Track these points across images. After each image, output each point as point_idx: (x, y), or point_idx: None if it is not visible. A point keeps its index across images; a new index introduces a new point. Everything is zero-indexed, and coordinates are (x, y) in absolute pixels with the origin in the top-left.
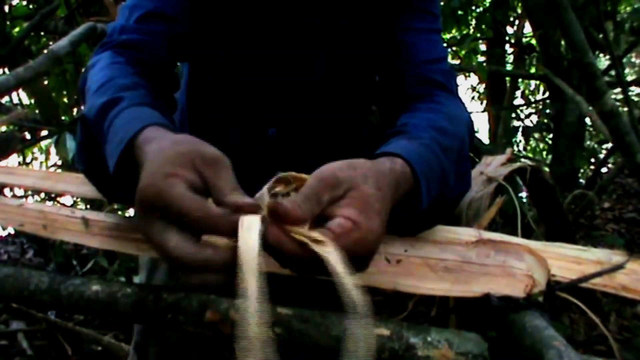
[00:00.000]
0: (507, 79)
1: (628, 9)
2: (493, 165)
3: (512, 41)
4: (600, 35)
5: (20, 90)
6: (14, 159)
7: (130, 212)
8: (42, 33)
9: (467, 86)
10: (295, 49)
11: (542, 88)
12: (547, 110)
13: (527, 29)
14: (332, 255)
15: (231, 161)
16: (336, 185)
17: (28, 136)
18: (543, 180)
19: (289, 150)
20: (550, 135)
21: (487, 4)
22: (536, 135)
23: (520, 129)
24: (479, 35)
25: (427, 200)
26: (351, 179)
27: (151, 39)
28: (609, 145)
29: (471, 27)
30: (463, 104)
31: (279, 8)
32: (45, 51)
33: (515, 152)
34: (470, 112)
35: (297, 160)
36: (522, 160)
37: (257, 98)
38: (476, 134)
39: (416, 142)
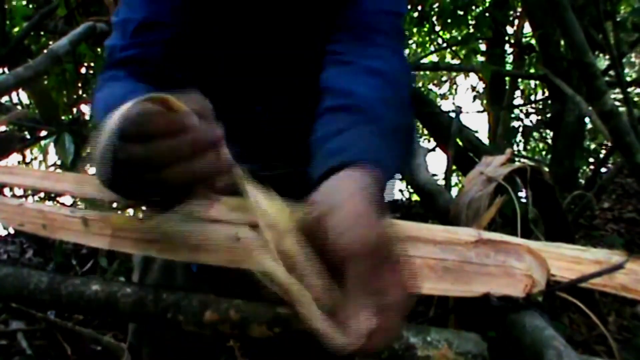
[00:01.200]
0: (507, 79)
1: (628, 9)
2: (493, 165)
3: (512, 41)
4: (600, 36)
5: (20, 90)
6: (14, 159)
7: (130, 211)
8: (41, 33)
9: (467, 86)
10: (284, 50)
11: (539, 90)
12: (547, 110)
13: (527, 29)
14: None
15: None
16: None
17: (28, 136)
18: (543, 181)
19: (277, 127)
20: (550, 135)
21: (487, 4)
22: (536, 135)
23: (520, 129)
24: (478, 35)
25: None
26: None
27: (150, 50)
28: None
29: (470, 27)
30: (404, 57)
31: (264, 8)
32: (45, 51)
33: (515, 152)
34: (461, 108)
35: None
36: (522, 160)
37: (247, 92)
38: (476, 134)
39: (368, 134)
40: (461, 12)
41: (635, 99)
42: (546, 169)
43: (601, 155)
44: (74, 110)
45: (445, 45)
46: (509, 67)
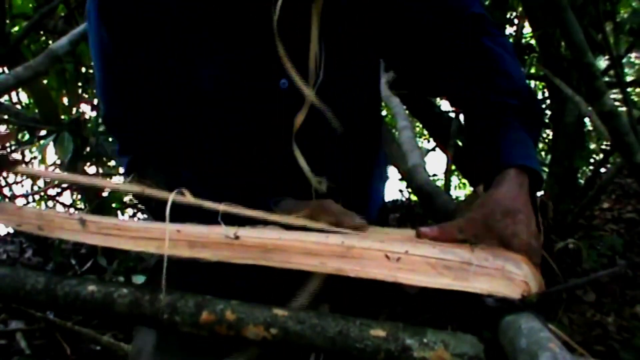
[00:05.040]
0: None
1: (628, 9)
2: None
3: (512, 41)
4: (600, 36)
5: (19, 90)
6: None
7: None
8: (41, 32)
9: None
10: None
11: (539, 90)
12: (546, 110)
13: (527, 29)
14: None
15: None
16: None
17: (27, 135)
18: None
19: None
20: (550, 135)
21: (487, 4)
22: None
23: None
24: None
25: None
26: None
27: None
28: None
29: None
30: (499, 33)
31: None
32: (45, 51)
33: None
34: None
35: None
36: None
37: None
38: None
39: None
40: None
41: (635, 99)
42: (546, 169)
43: (601, 156)
44: (74, 110)
45: None
46: None
